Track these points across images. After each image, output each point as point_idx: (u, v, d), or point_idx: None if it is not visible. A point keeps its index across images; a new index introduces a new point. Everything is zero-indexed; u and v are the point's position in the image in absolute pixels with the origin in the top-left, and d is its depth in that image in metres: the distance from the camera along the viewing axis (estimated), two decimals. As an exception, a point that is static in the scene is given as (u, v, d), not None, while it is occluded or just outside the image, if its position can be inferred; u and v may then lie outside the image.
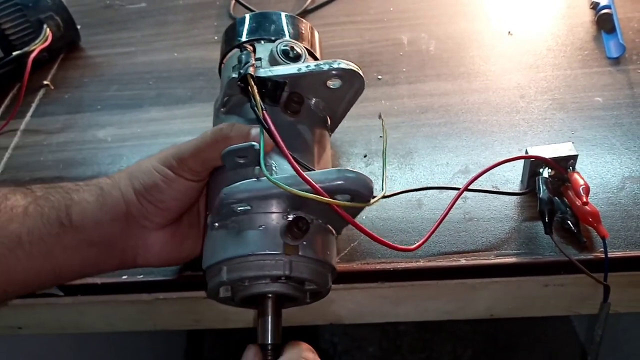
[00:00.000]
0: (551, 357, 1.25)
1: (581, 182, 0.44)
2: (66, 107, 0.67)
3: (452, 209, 0.45)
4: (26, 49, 0.68)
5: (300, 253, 0.37)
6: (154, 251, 0.41)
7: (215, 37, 0.72)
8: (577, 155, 0.46)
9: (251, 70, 0.40)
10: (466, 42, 0.66)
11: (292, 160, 0.35)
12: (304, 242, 0.37)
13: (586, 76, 0.59)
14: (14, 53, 0.67)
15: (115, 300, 0.50)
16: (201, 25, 0.75)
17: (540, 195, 0.45)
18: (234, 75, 0.41)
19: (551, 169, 0.46)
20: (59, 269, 0.38)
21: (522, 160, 0.48)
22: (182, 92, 0.66)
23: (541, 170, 0.46)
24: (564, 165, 0.46)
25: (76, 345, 0.90)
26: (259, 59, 0.43)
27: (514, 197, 0.48)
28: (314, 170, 0.40)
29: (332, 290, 0.41)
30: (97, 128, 0.63)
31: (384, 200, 0.49)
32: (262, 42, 0.46)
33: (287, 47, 0.44)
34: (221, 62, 0.50)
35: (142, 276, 0.48)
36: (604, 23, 0.63)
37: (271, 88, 0.41)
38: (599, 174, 0.49)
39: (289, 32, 0.47)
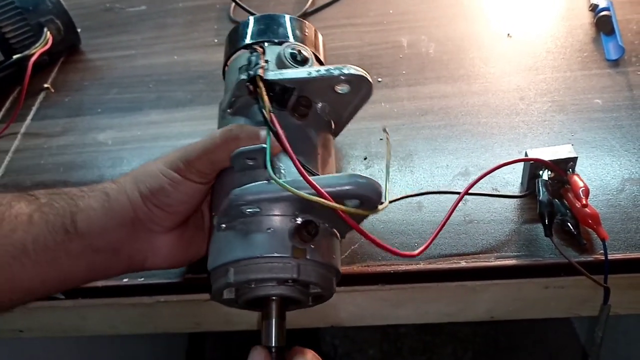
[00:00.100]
0: (552, 358, 1.24)
1: (581, 184, 0.44)
2: (66, 110, 0.67)
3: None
4: (26, 52, 0.68)
5: (308, 257, 0.36)
6: (162, 254, 0.41)
7: (215, 40, 0.72)
8: (576, 158, 0.46)
9: (260, 72, 0.40)
10: (466, 45, 0.66)
11: (299, 165, 0.35)
12: (312, 246, 0.37)
13: (585, 78, 0.59)
14: (15, 56, 0.68)
15: (116, 303, 0.50)
16: (201, 28, 0.75)
17: (540, 198, 0.45)
18: (243, 76, 0.41)
19: (551, 171, 0.46)
20: (65, 275, 0.38)
21: (522, 163, 0.48)
22: (182, 95, 0.66)
23: (541, 172, 0.46)
24: (563, 167, 0.46)
25: (77, 348, 0.90)
26: (267, 62, 0.43)
27: (514, 200, 0.49)
28: (318, 174, 0.40)
29: (332, 293, 0.41)
30: (98, 131, 0.63)
31: (385, 202, 0.49)
32: (268, 44, 0.46)
33: (294, 51, 0.44)
34: (225, 64, 0.49)
35: (142, 279, 0.48)
36: (603, 25, 0.63)
37: (279, 92, 0.41)
38: (598, 176, 0.49)
39: (294, 35, 0.47)
